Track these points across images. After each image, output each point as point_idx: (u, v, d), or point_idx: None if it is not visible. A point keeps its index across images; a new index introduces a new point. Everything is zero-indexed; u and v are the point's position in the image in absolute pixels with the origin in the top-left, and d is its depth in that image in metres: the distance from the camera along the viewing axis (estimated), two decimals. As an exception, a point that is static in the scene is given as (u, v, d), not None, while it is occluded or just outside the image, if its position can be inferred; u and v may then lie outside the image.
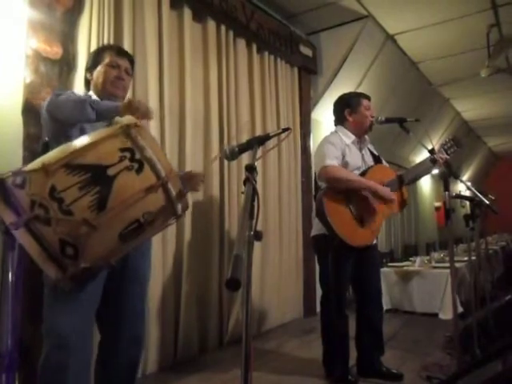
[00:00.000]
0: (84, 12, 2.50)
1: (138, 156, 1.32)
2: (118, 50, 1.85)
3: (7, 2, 2.17)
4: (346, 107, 2.56)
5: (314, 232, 2.53)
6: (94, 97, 1.75)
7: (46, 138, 1.72)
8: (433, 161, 2.40)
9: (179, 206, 1.42)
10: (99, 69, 1.77)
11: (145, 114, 1.51)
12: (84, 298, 1.54)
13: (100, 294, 1.62)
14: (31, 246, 1.25)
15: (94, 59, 1.82)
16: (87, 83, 1.85)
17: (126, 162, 1.30)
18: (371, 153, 2.64)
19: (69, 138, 1.51)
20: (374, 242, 2.56)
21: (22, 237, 1.24)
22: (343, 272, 2.40)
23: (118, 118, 1.42)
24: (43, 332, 1.53)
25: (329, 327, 2.48)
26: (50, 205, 1.23)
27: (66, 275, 1.29)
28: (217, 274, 3.27)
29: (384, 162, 2.67)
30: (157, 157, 1.34)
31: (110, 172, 1.28)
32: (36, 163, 1.30)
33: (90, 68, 1.82)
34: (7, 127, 2.12)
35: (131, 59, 1.87)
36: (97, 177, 1.26)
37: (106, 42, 2.54)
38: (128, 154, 1.31)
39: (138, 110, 1.49)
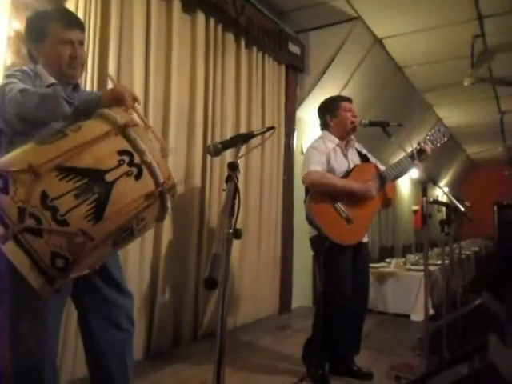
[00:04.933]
0: (70, -5, 2.44)
1: (137, 160, 1.23)
2: (66, 19, 1.55)
3: (-10, -20, 2.11)
4: (326, 113, 2.63)
5: (310, 234, 2.55)
6: (43, 73, 1.52)
7: (3, 129, 1.48)
8: (419, 152, 2.43)
9: (168, 213, 1.37)
10: (48, 47, 1.51)
11: (131, 101, 1.40)
12: (57, 299, 1.46)
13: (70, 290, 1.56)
14: (21, 260, 1.11)
15: (38, 30, 1.53)
16: (31, 55, 1.59)
17: (125, 167, 1.20)
18: (359, 152, 2.67)
19: (38, 133, 1.36)
20: (366, 240, 2.60)
21: (9, 250, 1.10)
22: (342, 270, 2.41)
23: (106, 111, 1.30)
24: (13, 337, 1.45)
25: (322, 324, 2.46)
26: (42, 214, 1.09)
27: (53, 288, 1.18)
28: (194, 268, 3.26)
29: (372, 159, 2.70)
30: (156, 161, 1.26)
31: (109, 178, 1.17)
32: (16, 161, 1.15)
33: (35, 41, 1.54)
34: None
35: (82, 25, 1.60)
36: (94, 183, 1.15)
37: (92, 27, 2.49)
38: (127, 158, 1.21)
39: (123, 100, 1.38)
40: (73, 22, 1.56)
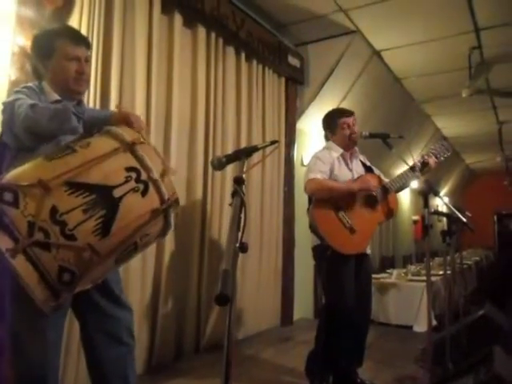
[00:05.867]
0: (74, 12, 2.48)
1: (143, 177, 1.25)
2: (72, 36, 1.61)
3: (-5, -2, 2.14)
4: (326, 128, 2.67)
5: (313, 243, 2.55)
6: (47, 89, 1.57)
7: (6, 141, 1.50)
8: (423, 165, 2.47)
9: (171, 228, 1.39)
10: (55, 63, 1.56)
11: (139, 129, 1.44)
12: (57, 313, 1.43)
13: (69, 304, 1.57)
14: (30, 274, 1.10)
15: (46, 46, 1.57)
16: (37, 72, 1.63)
17: (132, 183, 1.23)
18: (363, 164, 2.69)
19: (44, 149, 1.39)
20: (368, 251, 2.60)
21: (18, 264, 1.09)
22: (345, 280, 2.40)
23: (113, 129, 1.33)
24: (15, 352, 1.47)
25: (324, 336, 2.45)
26: (51, 229, 1.11)
27: (57, 302, 1.19)
28: (195, 279, 3.26)
29: (376, 171, 2.72)
30: (162, 178, 1.29)
31: (116, 194, 1.19)
32: (25, 175, 1.16)
33: (42, 58, 1.59)
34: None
35: (88, 43, 1.66)
36: (102, 198, 1.17)
37: (95, 43, 2.52)
38: (134, 175, 1.24)
39: (132, 123, 1.43)
40: (79, 39, 1.63)
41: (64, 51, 1.55)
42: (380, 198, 2.52)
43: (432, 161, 2.51)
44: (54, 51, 1.56)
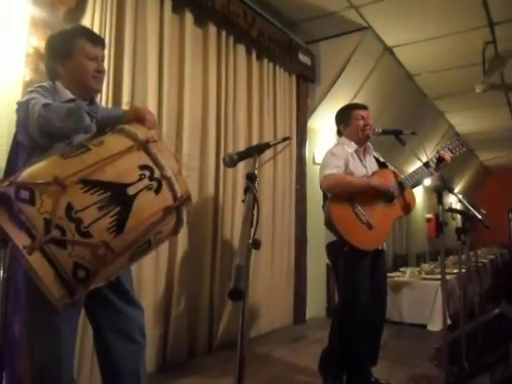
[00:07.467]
0: (86, 12, 2.50)
1: (157, 175, 1.26)
2: (92, 37, 1.64)
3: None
4: (340, 123, 2.64)
5: (327, 240, 2.52)
6: (61, 89, 1.57)
7: (21, 140, 1.51)
8: (439, 160, 2.44)
9: (183, 226, 1.40)
10: (76, 62, 1.58)
11: (152, 125, 1.45)
12: (71, 310, 1.47)
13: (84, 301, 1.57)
14: (46, 271, 1.11)
15: (66, 47, 1.58)
16: (51, 72, 1.63)
17: (146, 181, 1.24)
18: (376, 160, 2.66)
19: (59, 148, 1.40)
20: (384, 248, 2.57)
21: (35, 261, 1.10)
22: (361, 277, 2.37)
23: (127, 127, 1.34)
24: (30, 350, 1.48)
25: (339, 334, 2.42)
26: (67, 226, 1.12)
27: (73, 299, 1.20)
28: (208, 278, 3.27)
29: (391, 167, 2.68)
30: (175, 176, 1.30)
31: (130, 191, 1.20)
32: (41, 173, 1.17)
33: (61, 58, 1.59)
34: (4, 125, 2.10)
35: (104, 44, 1.70)
36: (117, 196, 1.18)
37: (107, 42, 2.53)
38: (147, 173, 1.25)
39: (145, 120, 1.44)
40: (97, 40, 1.66)
41: (84, 51, 1.58)
42: (397, 194, 2.49)
43: (448, 156, 2.48)
44: (75, 51, 1.58)
